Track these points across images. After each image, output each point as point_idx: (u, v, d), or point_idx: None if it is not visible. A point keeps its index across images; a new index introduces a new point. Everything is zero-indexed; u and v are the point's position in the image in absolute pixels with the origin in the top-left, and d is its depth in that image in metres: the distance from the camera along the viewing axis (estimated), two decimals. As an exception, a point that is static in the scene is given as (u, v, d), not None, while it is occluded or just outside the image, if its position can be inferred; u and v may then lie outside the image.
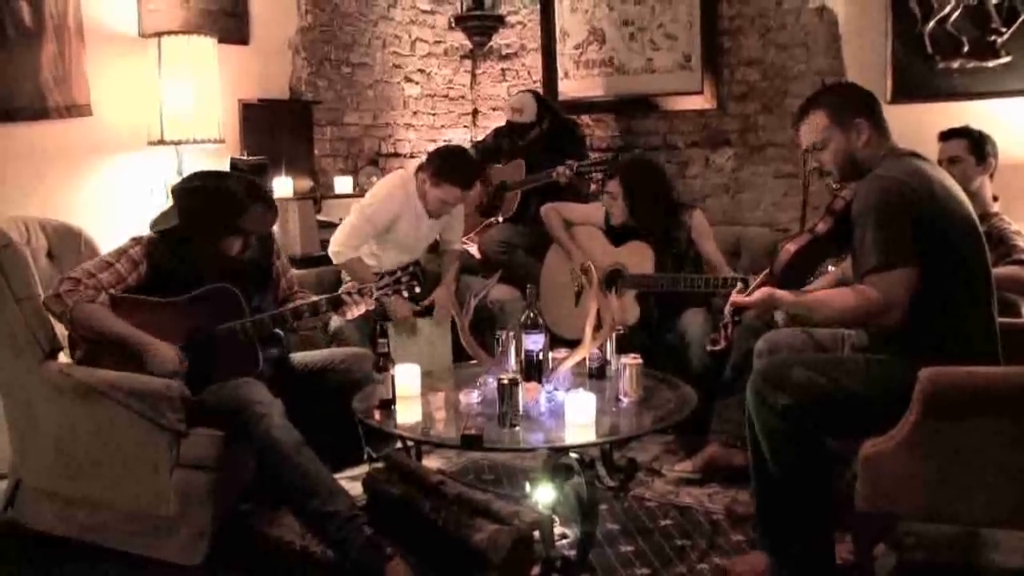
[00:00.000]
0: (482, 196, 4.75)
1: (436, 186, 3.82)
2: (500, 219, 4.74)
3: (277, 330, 2.97)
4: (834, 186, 2.58)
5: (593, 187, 4.77)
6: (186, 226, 2.90)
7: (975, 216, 2.47)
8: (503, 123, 4.94)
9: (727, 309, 2.57)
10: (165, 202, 3.02)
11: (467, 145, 5.21)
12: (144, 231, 3.00)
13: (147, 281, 2.87)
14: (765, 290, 2.49)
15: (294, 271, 3.36)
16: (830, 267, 2.88)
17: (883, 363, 2.41)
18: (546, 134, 4.69)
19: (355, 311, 2.94)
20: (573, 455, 2.60)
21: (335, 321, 3.58)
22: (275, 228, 4.01)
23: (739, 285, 2.64)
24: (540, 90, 5.20)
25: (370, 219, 3.85)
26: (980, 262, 2.43)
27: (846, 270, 2.72)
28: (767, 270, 2.62)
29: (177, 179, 3.36)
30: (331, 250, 3.85)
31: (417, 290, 2.99)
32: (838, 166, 2.52)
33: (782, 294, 2.47)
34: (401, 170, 4.13)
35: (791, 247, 2.59)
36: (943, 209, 2.37)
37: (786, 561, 2.45)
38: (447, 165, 3.83)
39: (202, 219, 2.88)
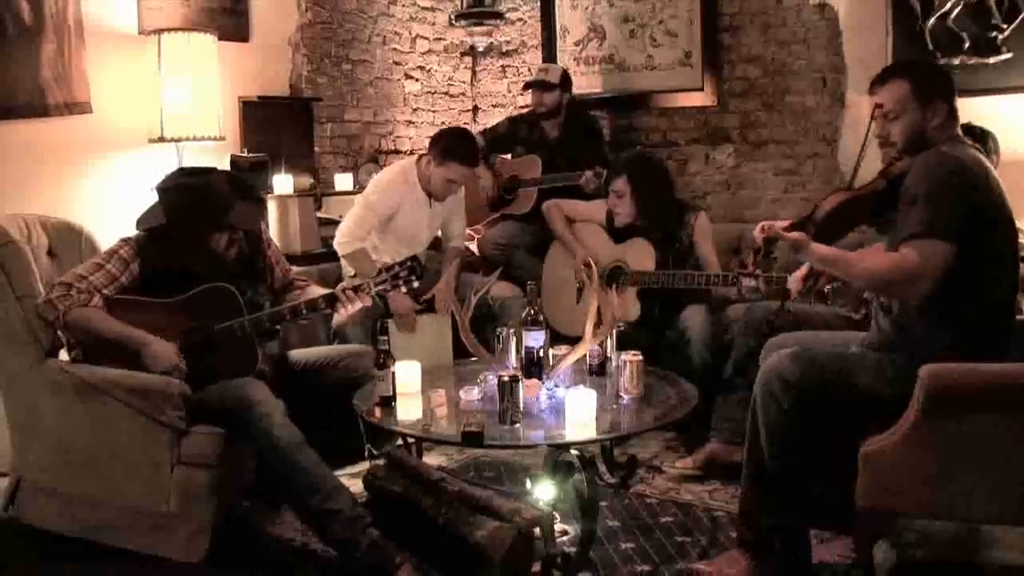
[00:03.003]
0: (495, 188, 4.72)
1: (441, 165, 3.83)
2: (505, 214, 4.71)
3: (276, 327, 2.97)
4: (893, 154, 2.55)
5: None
6: (172, 224, 2.89)
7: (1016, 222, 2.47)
8: (516, 114, 4.92)
9: (758, 234, 2.53)
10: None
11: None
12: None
13: (140, 280, 2.87)
14: (800, 233, 2.46)
15: (293, 270, 3.34)
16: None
17: (895, 362, 2.40)
18: (568, 127, 4.68)
19: (350, 308, 2.93)
20: (574, 452, 2.60)
21: (336, 318, 3.58)
22: (272, 226, 4.04)
23: (783, 221, 2.60)
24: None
25: (373, 207, 3.86)
26: (1015, 262, 2.42)
27: None
28: (808, 214, 2.59)
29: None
30: (337, 242, 3.86)
31: (416, 284, 2.98)
32: (906, 139, 2.48)
33: (815, 245, 2.45)
34: (403, 160, 4.13)
35: (836, 198, 2.57)
36: (995, 203, 2.37)
37: (766, 556, 2.44)
38: (451, 144, 3.85)
39: (188, 216, 2.87)
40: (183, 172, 3.05)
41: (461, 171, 3.85)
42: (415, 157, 4.02)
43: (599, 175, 4.32)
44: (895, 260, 2.33)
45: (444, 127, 4.23)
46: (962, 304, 2.34)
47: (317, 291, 3.08)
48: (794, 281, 2.91)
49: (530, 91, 4.68)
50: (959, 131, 2.51)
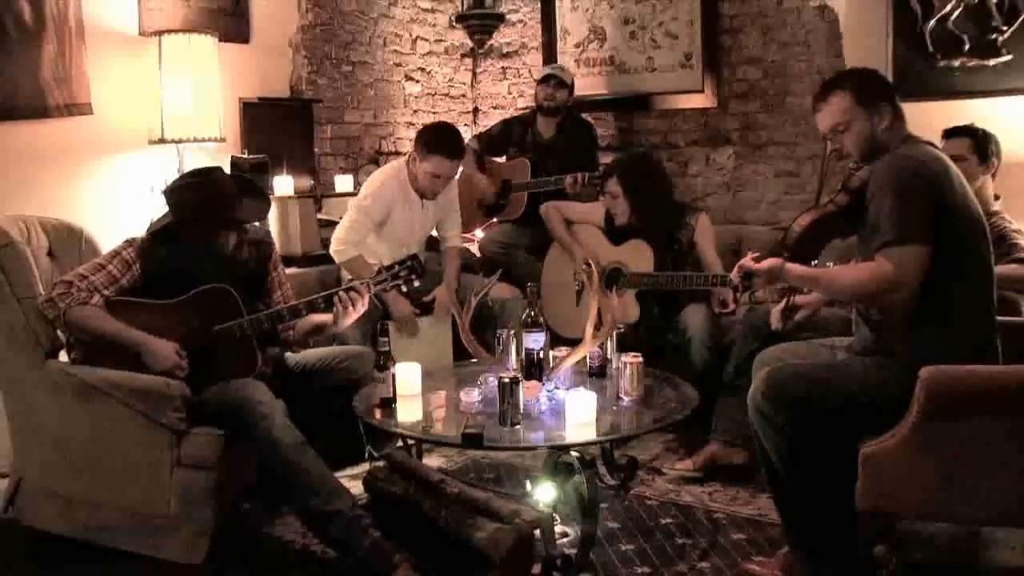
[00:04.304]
0: (488, 191, 4.72)
1: (425, 159, 3.80)
2: (500, 219, 4.72)
3: (276, 329, 2.96)
4: (851, 166, 2.57)
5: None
6: (180, 222, 2.90)
7: (983, 215, 2.47)
8: (509, 116, 4.91)
9: (735, 273, 2.55)
10: (163, 203, 3.02)
11: (467, 137, 5.21)
12: (142, 231, 3.01)
13: (141, 283, 2.87)
14: (775, 260, 2.48)
15: (293, 270, 3.34)
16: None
17: (881, 365, 2.41)
18: (561, 129, 4.68)
19: (354, 309, 2.92)
20: (574, 454, 2.60)
21: (336, 329, 3.57)
22: (272, 227, 4.04)
23: (751, 254, 2.62)
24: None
25: (367, 211, 3.85)
26: (986, 259, 2.43)
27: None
28: (779, 239, 2.61)
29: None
30: (332, 249, 3.85)
31: (416, 283, 2.97)
32: (859, 148, 2.50)
33: (791, 266, 2.47)
34: (393, 162, 4.13)
35: (804, 219, 2.59)
36: (958, 199, 2.38)
37: (816, 555, 2.45)
38: (433, 137, 3.83)
39: (196, 214, 2.88)
40: (188, 173, 3.06)
41: (445, 164, 3.81)
42: (405, 158, 4.01)
43: (582, 179, 4.32)
44: (873, 270, 2.34)
45: (428, 123, 4.21)
46: (938, 302, 2.35)
47: (317, 319, 3.07)
48: (773, 318, 2.92)
49: (543, 84, 4.65)
50: (909, 130, 2.52)
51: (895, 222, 2.30)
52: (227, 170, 3.88)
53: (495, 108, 5.72)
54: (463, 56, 5.73)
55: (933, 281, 2.31)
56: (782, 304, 2.87)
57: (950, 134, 3.51)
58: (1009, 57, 4.04)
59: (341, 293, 2.91)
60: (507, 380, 2.55)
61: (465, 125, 5.74)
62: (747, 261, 2.52)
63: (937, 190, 2.34)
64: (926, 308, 2.34)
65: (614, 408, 2.79)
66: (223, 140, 4.01)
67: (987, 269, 2.44)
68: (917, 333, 2.37)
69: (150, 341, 2.73)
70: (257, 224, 3.26)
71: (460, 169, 4.09)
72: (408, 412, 2.75)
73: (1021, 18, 4.00)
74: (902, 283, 2.29)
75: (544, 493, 2.57)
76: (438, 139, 3.82)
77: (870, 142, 2.49)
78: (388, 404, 2.78)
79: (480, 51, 5.72)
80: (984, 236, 2.43)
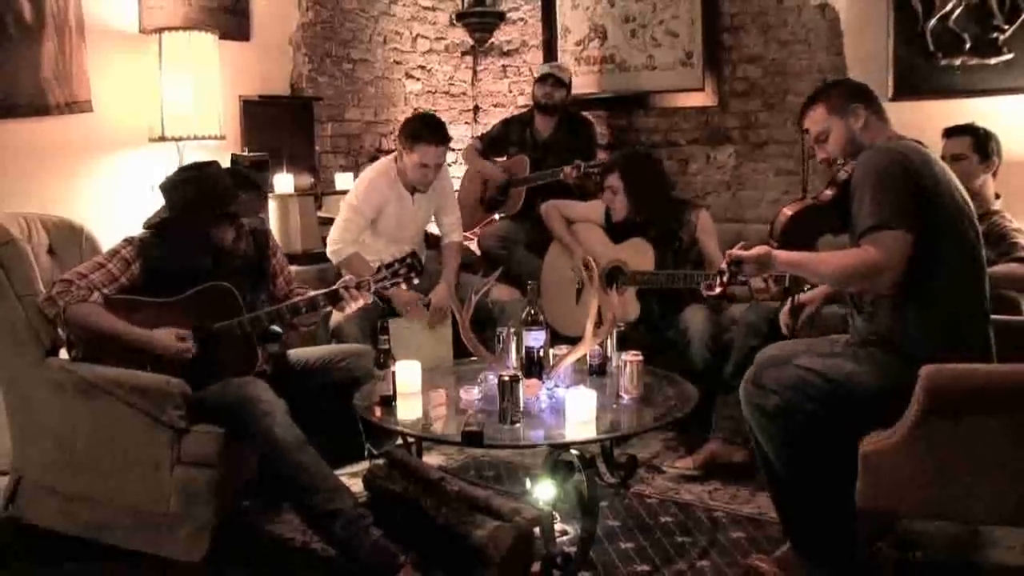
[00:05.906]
0: (486, 190, 4.73)
1: (412, 152, 3.80)
2: (500, 215, 4.74)
3: (275, 327, 2.96)
4: (839, 163, 2.61)
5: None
6: (177, 216, 2.90)
7: (972, 209, 2.48)
8: (508, 116, 4.91)
9: (724, 260, 2.58)
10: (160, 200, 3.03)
11: (470, 139, 5.22)
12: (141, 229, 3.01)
13: (141, 281, 2.87)
14: (763, 247, 2.51)
15: (293, 268, 3.35)
16: None
17: (873, 355, 2.42)
18: (560, 127, 4.70)
19: (353, 305, 2.93)
20: (574, 452, 2.60)
21: (335, 318, 3.58)
22: (272, 225, 4.04)
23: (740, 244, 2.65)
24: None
25: (358, 209, 3.86)
26: (973, 247, 2.44)
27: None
28: (768, 233, 2.64)
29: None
30: (329, 250, 3.85)
31: (416, 280, 2.97)
32: (842, 149, 2.57)
33: (779, 252, 2.50)
34: (382, 159, 4.13)
35: (788, 211, 2.65)
36: (940, 187, 2.40)
37: (815, 553, 2.45)
38: (415, 128, 3.84)
39: (192, 207, 2.89)
40: (184, 168, 3.07)
41: (431, 151, 3.80)
42: (393, 155, 4.02)
43: (578, 168, 4.34)
44: (859, 255, 2.36)
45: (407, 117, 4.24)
46: (923, 288, 2.36)
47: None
48: (782, 321, 2.95)
49: (541, 83, 4.67)
50: (892, 130, 2.57)
51: (876, 209, 2.33)
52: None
53: (496, 106, 5.72)
54: (463, 54, 5.73)
55: (918, 267, 2.33)
56: (787, 306, 2.88)
57: (951, 133, 3.52)
58: (1010, 56, 4.04)
59: (342, 291, 2.91)
60: (507, 378, 2.55)
61: (466, 123, 5.74)
62: (736, 250, 2.54)
63: (916, 177, 2.37)
64: (912, 293, 2.36)
65: (614, 406, 2.79)
66: (223, 138, 4.01)
67: (975, 258, 2.44)
68: (904, 319, 2.39)
69: (150, 335, 2.73)
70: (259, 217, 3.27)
71: (447, 155, 4.09)
72: (408, 410, 2.75)
73: (1022, 17, 4.00)
74: (887, 267, 2.31)
75: (544, 491, 2.57)
76: (420, 129, 3.83)
77: (851, 143, 2.55)
78: (388, 402, 2.78)
79: (480, 49, 5.72)
80: (971, 225, 2.44)
